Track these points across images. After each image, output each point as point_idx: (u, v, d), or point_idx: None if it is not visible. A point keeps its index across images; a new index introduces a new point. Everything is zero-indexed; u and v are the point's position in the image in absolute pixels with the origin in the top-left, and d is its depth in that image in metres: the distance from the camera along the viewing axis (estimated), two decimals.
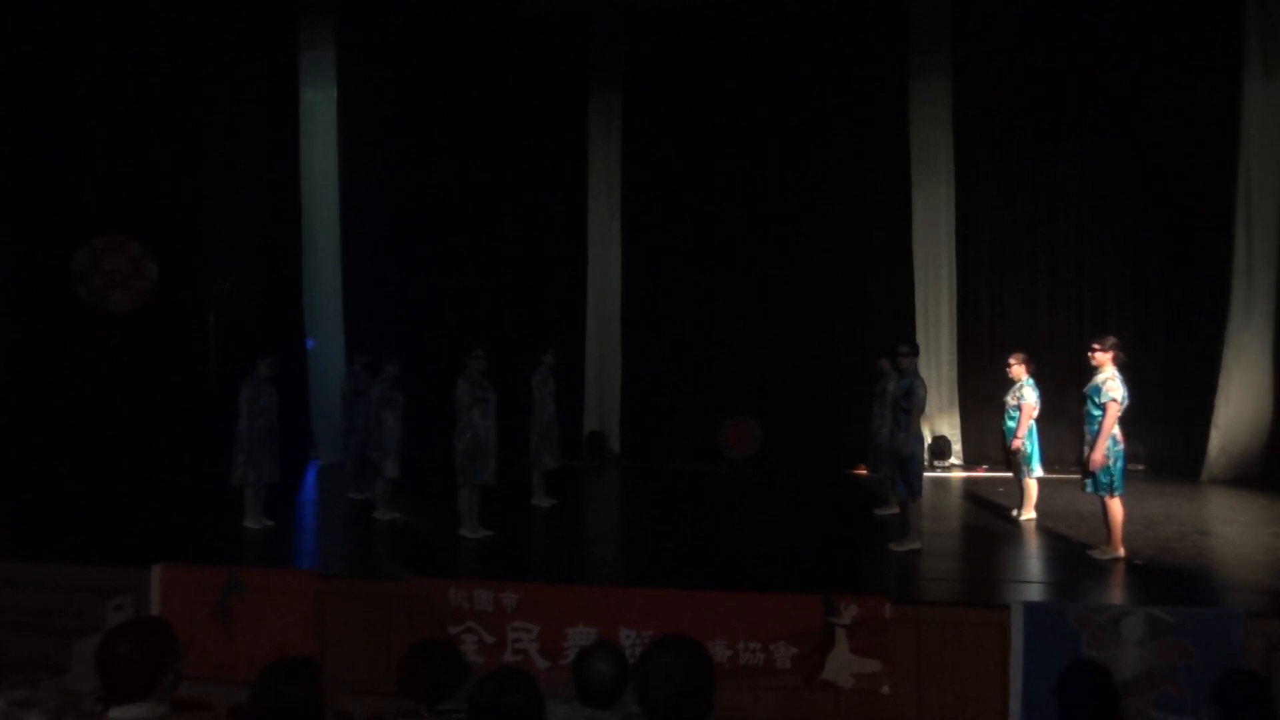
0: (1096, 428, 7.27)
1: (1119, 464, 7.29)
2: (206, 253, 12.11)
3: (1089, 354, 7.50)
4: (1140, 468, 11.05)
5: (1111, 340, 7.46)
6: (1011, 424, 8.91)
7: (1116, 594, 6.72)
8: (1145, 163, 11.42)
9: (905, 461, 7.79)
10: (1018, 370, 8.96)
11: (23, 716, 3.44)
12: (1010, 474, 9.31)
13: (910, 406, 7.74)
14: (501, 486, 8.67)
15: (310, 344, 12.66)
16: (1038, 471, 8.96)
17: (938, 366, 12.11)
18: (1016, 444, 8.80)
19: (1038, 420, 8.92)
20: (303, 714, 2.80)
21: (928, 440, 11.91)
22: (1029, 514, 8.91)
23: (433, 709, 3.29)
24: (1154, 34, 11.17)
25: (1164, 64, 11.13)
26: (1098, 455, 7.20)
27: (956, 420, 12.21)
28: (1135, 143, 11.44)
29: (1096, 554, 7.45)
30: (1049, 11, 11.61)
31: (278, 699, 2.80)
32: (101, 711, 2.82)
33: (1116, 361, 7.38)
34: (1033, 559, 8.05)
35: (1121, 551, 7.35)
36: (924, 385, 7.93)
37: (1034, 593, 6.78)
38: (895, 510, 8.67)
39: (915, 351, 8.10)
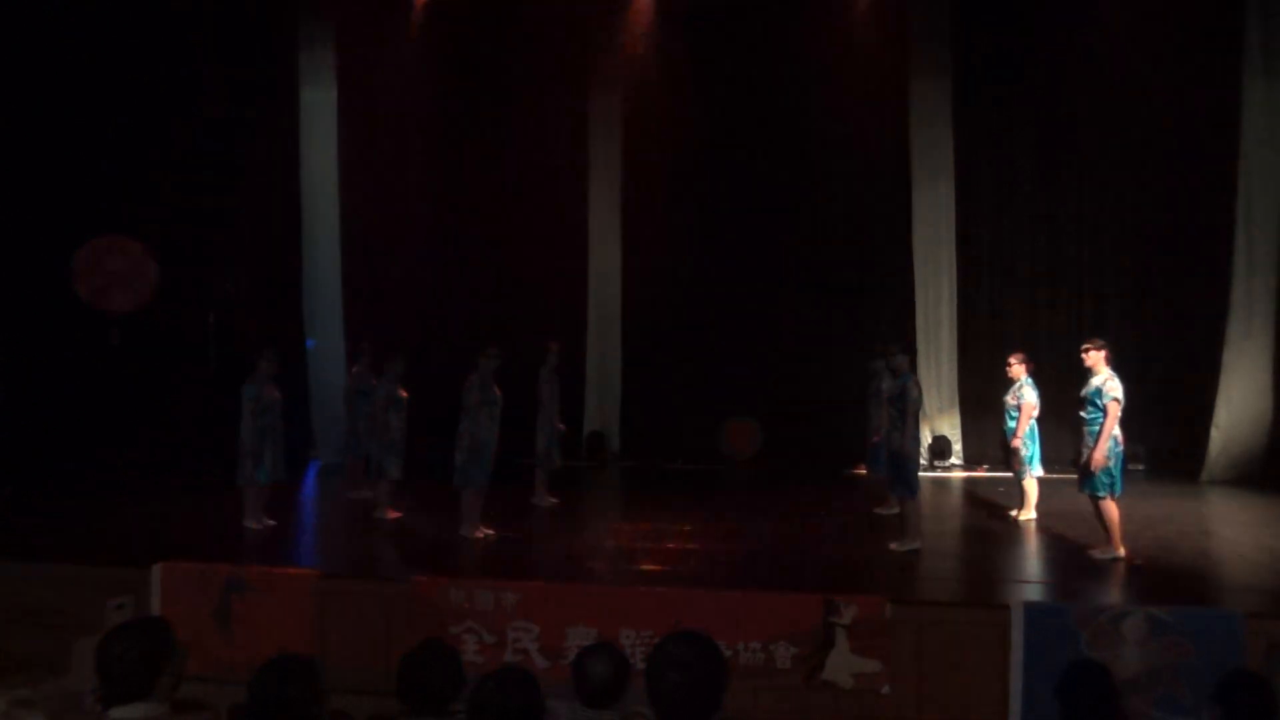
0: (1097, 429, 7.27)
1: (1118, 464, 7.30)
2: (207, 253, 12.11)
3: (1083, 355, 7.51)
4: (1140, 468, 11.06)
5: (1103, 342, 7.51)
6: (1012, 424, 8.91)
7: (1117, 594, 6.72)
8: (1145, 162, 11.42)
9: (902, 462, 7.78)
10: (1017, 370, 8.96)
11: (24, 716, 3.44)
12: (1011, 474, 9.31)
13: (905, 407, 7.73)
14: (502, 486, 8.66)
15: (310, 344, 12.66)
16: (1038, 471, 8.96)
17: (938, 366, 12.11)
18: (1015, 443, 8.80)
19: (1038, 420, 8.92)
20: (301, 714, 2.79)
21: (928, 440, 11.91)
22: (1029, 514, 8.91)
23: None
24: (1155, 33, 11.16)
25: (1165, 62, 11.12)
26: (1098, 455, 7.19)
27: (957, 420, 12.21)
28: (1135, 142, 11.44)
29: (1097, 554, 7.44)
30: (1049, 10, 11.60)
31: (275, 698, 2.79)
32: (101, 711, 2.82)
33: (1109, 361, 7.40)
34: (1033, 559, 8.06)
35: (1122, 551, 7.35)
36: (918, 385, 7.93)
37: (1034, 592, 6.79)
38: (895, 510, 8.67)
39: (906, 351, 8.09)
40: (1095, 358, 7.43)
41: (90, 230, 10.86)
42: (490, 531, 8.38)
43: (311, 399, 12.41)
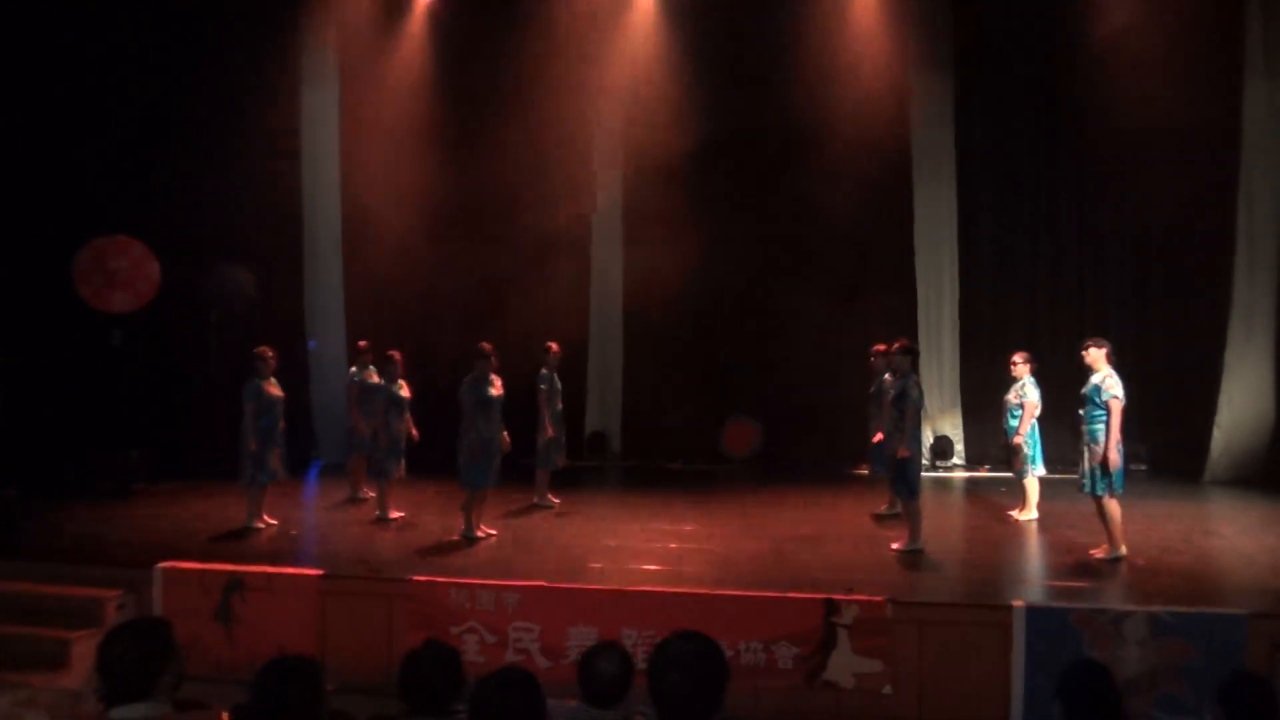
0: (1099, 428, 7.26)
1: (1120, 464, 7.29)
2: (208, 252, 12.10)
3: (1082, 353, 7.50)
4: (1143, 468, 11.05)
5: (1104, 340, 7.50)
6: (1014, 422, 8.91)
7: (1118, 594, 6.72)
8: (1147, 162, 11.38)
9: (903, 461, 7.77)
10: (1021, 369, 8.95)
11: (25, 715, 3.45)
12: (1012, 474, 9.31)
13: (905, 407, 7.72)
14: (504, 486, 8.66)
15: (312, 344, 12.65)
16: (1040, 471, 8.96)
17: (939, 366, 12.10)
18: (1017, 441, 8.79)
19: (1039, 419, 8.92)
20: (302, 714, 2.79)
21: (929, 440, 11.91)
22: (1031, 514, 8.91)
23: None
24: (1156, 32, 11.13)
25: (1167, 62, 11.09)
26: (1112, 455, 7.17)
27: (959, 420, 12.20)
28: (1137, 142, 11.41)
29: (1099, 554, 7.43)
30: (1051, 11, 11.58)
31: (276, 699, 2.78)
32: (103, 711, 2.82)
33: (1109, 360, 7.39)
34: (1035, 559, 8.06)
35: (1124, 551, 7.35)
36: (919, 385, 7.93)
37: (1036, 593, 6.78)
38: (897, 510, 8.67)
39: (909, 352, 8.08)
40: (1095, 355, 7.42)
41: (92, 230, 10.87)
42: (492, 532, 8.38)
43: (313, 399, 12.40)
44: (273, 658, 2.89)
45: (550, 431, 9.44)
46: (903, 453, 7.71)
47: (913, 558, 7.59)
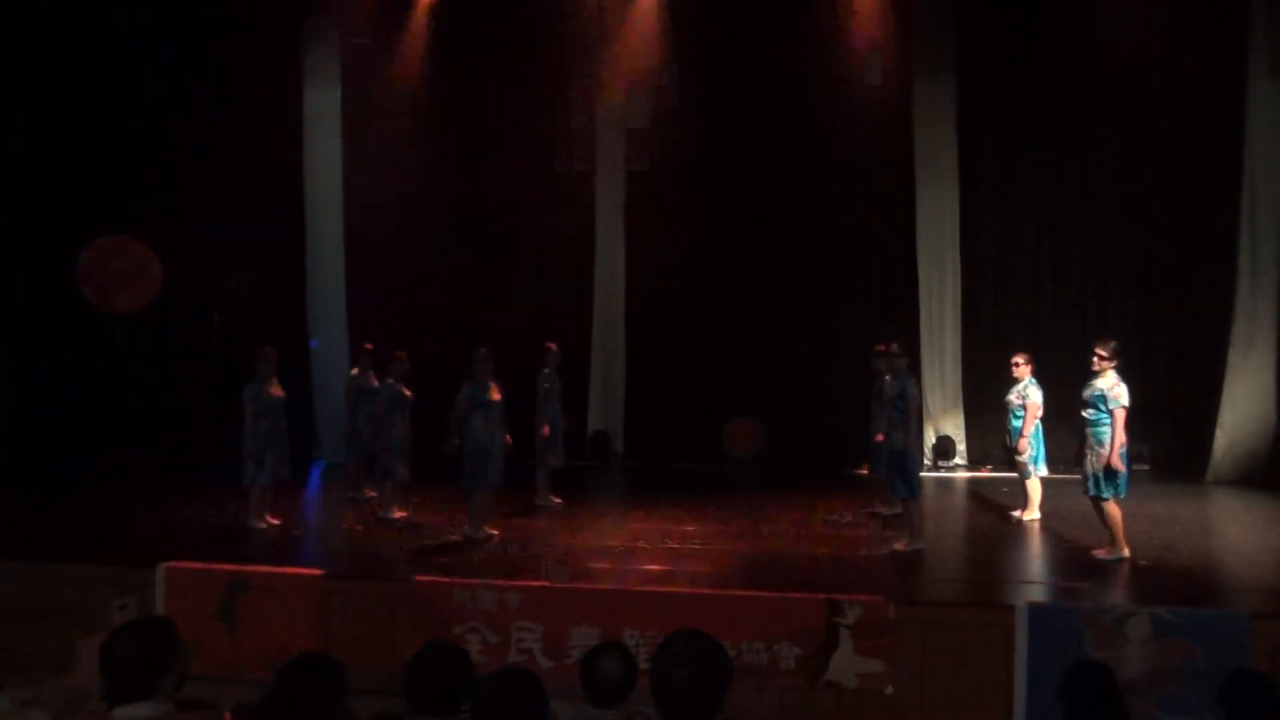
0: (1104, 430, 7.25)
1: (1124, 470, 7.28)
2: (210, 253, 12.13)
3: (1093, 358, 7.48)
4: (1146, 468, 11.04)
5: (1115, 345, 7.47)
6: (1016, 423, 8.90)
7: (1121, 594, 6.71)
8: (1150, 162, 11.40)
9: (903, 462, 7.77)
10: (1024, 369, 8.94)
11: (28, 715, 3.45)
12: (1015, 474, 9.30)
13: (905, 407, 7.73)
14: (506, 486, 8.66)
15: (314, 344, 12.66)
16: (1042, 471, 8.95)
17: (942, 367, 12.09)
18: (1021, 443, 8.78)
19: (1041, 419, 8.91)
20: (320, 714, 2.80)
21: (932, 440, 11.91)
22: (1033, 514, 8.90)
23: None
24: (1159, 34, 11.13)
25: (1169, 63, 11.10)
26: (1117, 461, 7.17)
27: (961, 421, 12.19)
28: (1140, 141, 11.42)
29: (1101, 554, 7.43)
30: (1053, 10, 11.58)
31: (297, 697, 2.79)
32: (106, 711, 2.82)
33: (1117, 366, 7.38)
34: (1037, 559, 8.05)
35: (1126, 551, 7.34)
36: (918, 385, 7.92)
37: (1038, 593, 6.77)
38: (898, 510, 8.66)
39: (906, 352, 8.08)
40: (1106, 363, 7.40)
41: (95, 231, 10.89)
42: (495, 532, 8.38)
43: (315, 399, 12.42)
44: (296, 655, 2.90)
45: (545, 430, 9.42)
46: (909, 443, 7.71)
47: (914, 558, 7.58)
